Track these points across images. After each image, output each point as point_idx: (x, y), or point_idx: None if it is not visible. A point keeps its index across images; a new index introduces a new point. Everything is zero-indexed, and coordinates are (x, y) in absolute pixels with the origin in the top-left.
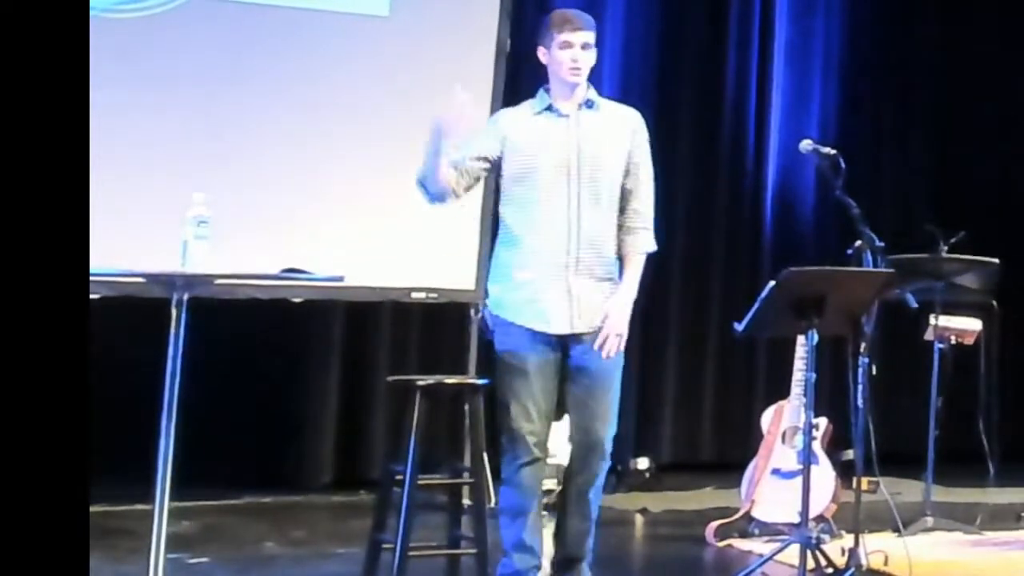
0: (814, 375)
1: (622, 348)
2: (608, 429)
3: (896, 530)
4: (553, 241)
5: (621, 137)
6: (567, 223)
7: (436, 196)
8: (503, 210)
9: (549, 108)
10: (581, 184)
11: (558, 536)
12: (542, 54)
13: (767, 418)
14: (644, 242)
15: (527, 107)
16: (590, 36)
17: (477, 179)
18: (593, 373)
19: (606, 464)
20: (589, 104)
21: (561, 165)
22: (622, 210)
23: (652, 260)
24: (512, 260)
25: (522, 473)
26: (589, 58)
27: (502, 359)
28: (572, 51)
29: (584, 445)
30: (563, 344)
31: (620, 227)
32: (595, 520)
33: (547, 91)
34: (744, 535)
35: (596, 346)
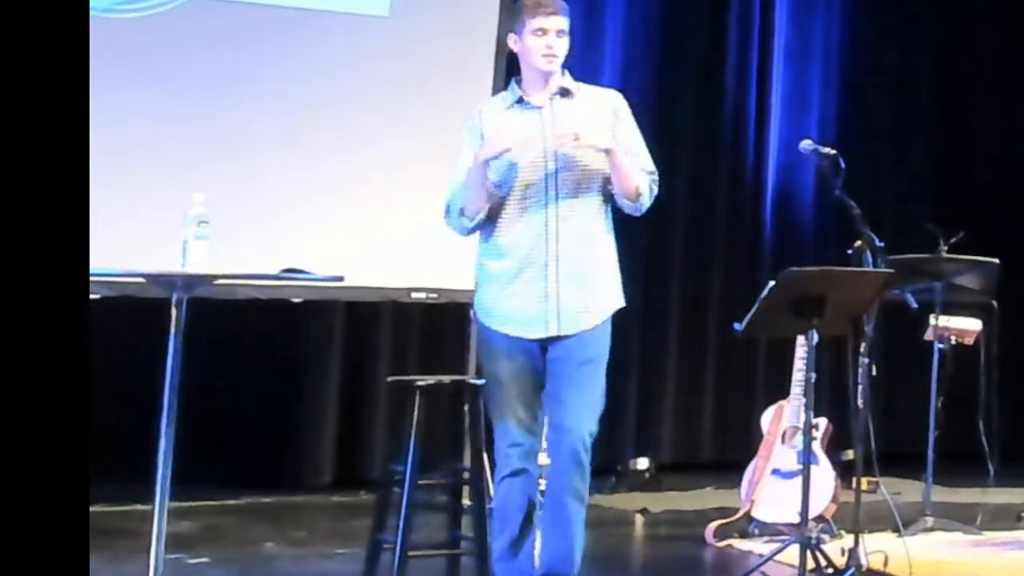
0: (814, 375)
1: (580, 142)
2: (582, 425)
3: (896, 530)
4: (528, 241)
5: (600, 119)
6: (544, 222)
7: (473, 222)
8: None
9: (520, 101)
10: (559, 179)
11: (542, 549)
12: (513, 42)
13: (767, 418)
14: (649, 177)
15: (497, 101)
16: (565, 22)
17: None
18: (571, 365)
19: (583, 467)
20: (564, 93)
21: (535, 161)
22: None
23: (652, 260)
24: (489, 263)
25: (503, 484)
26: (563, 45)
27: (484, 368)
28: (546, 38)
29: (556, 444)
30: (542, 346)
31: None
32: (577, 534)
33: (518, 83)
34: (744, 535)
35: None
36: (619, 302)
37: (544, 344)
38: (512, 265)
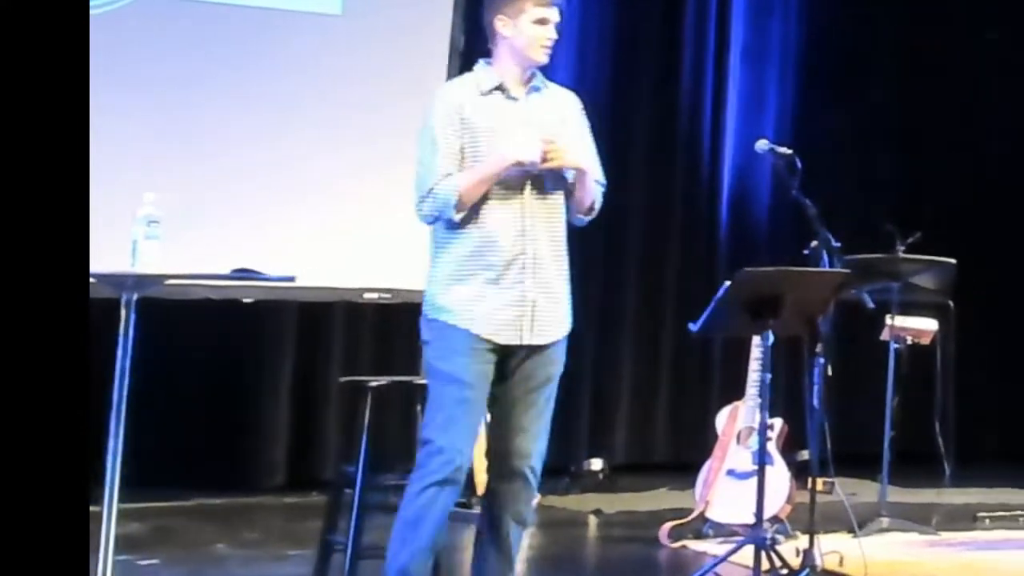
0: (769, 375)
1: (554, 160)
2: (535, 450)
3: (851, 531)
4: (505, 237)
5: (570, 123)
6: (520, 217)
7: (461, 215)
8: None
9: (500, 88)
10: (533, 177)
11: (479, 571)
12: (503, 24)
13: (722, 419)
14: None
15: (471, 84)
16: (559, 15)
17: None
18: (533, 384)
19: (530, 493)
20: (537, 88)
21: None
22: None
23: (607, 260)
24: (457, 258)
25: (427, 493)
26: (556, 37)
27: (435, 367)
28: (546, 28)
29: (505, 466)
30: (503, 354)
31: None
32: (517, 558)
33: (489, 65)
34: (698, 536)
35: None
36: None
37: (507, 351)
38: (492, 262)
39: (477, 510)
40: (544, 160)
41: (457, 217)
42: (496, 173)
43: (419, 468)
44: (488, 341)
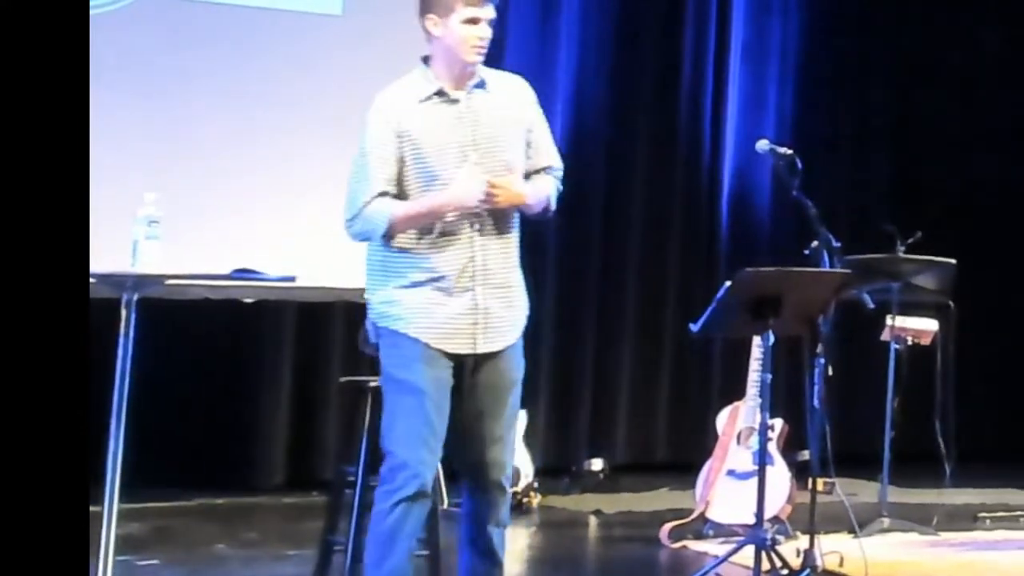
0: (770, 376)
1: (495, 199)
2: (507, 457)
3: (852, 531)
4: (455, 245)
5: (518, 114)
6: (470, 224)
7: (392, 242)
8: None
9: (439, 93)
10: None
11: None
12: (433, 23)
13: (722, 419)
14: (555, 180)
15: (409, 90)
16: (494, 11)
17: None
18: (499, 391)
19: (507, 497)
20: (480, 84)
21: (457, 159)
22: (531, 177)
23: (607, 260)
24: (405, 264)
25: (398, 509)
26: (490, 36)
27: (391, 375)
28: (478, 28)
29: (479, 476)
30: (459, 363)
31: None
32: (503, 558)
33: (427, 67)
34: (699, 536)
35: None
36: (527, 313)
37: (462, 361)
38: (443, 271)
39: None
40: (487, 200)
41: (387, 244)
42: (435, 216)
43: (385, 483)
44: (440, 350)
